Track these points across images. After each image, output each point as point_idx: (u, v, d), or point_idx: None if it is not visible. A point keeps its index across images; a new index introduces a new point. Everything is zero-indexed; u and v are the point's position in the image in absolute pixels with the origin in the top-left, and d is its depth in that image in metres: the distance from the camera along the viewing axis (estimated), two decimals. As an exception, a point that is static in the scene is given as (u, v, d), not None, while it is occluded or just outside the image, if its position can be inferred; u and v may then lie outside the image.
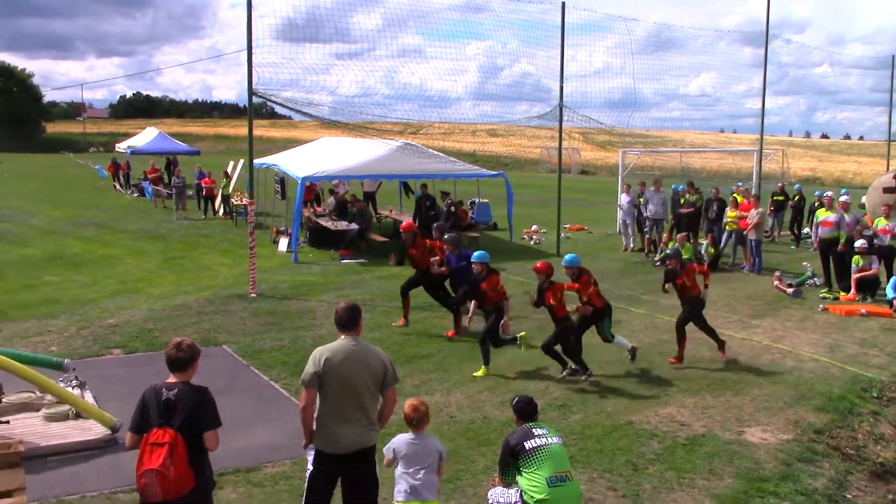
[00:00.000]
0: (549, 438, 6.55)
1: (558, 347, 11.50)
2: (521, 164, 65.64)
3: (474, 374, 11.66)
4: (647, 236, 22.83)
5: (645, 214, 22.72)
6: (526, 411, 6.81)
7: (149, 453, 5.26)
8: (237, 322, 14.35)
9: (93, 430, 9.15)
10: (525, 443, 6.46)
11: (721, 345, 12.65)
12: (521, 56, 30.32)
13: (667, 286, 12.76)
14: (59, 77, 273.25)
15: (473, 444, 9.12)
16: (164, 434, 5.29)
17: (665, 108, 29.73)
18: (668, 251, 13.76)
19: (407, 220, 19.57)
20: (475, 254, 12.39)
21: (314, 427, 6.22)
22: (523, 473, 6.42)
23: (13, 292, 16.75)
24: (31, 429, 9.13)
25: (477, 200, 28.92)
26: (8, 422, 9.06)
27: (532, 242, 25.15)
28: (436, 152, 24.60)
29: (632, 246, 23.62)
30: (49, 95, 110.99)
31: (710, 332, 12.63)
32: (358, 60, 23.22)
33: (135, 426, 5.50)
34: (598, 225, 29.29)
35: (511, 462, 6.52)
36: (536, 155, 63.60)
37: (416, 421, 6.42)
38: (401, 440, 6.41)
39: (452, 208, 23.13)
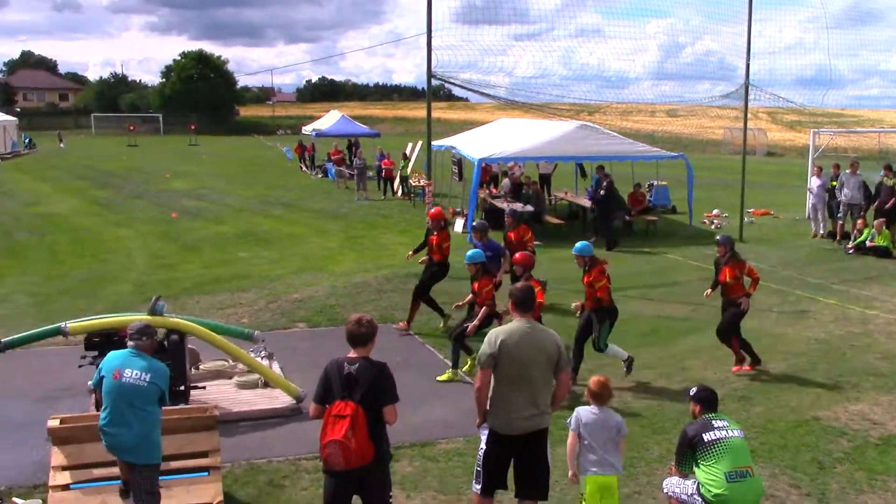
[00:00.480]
0: (729, 431, 6.29)
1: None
2: (703, 145, 63.29)
3: (438, 377, 10.66)
4: (840, 222, 21.48)
5: (839, 199, 21.37)
6: (707, 401, 6.57)
7: (332, 424, 5.47)
8: (414, 300, 14.65)
9: (279, 399, 9.64)
10: (704, 434, 6.25)
11: (742, 360, 11.04)
12: (703, 33, 29.10)
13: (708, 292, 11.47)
14: (251, 63, 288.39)
15: (648, 431, 8.93)
16: (346, 407, 5.47)
17: (862, 85, 27.90)
18: (718, 238, 11.41)
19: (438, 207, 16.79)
20: (468, 253, 11.33)
21: (488, 407, 6.27)
22: (701, 466, 6.21)
23: (209, 267, 17.89)
24: (224, 395, 9.74)
25: (655, 183, 28.14)
26: (204, 387, 9.70)
27: (713, 227, 24.26)
28: (614, 133, 24.12)
29: (822, 232, 22.29)
30: (242, 81, 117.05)
31: (739, 346, 11.03)
32: (535, 41, 23.19)
33: (318, 397, 5.72)
34: (786, 209, 27.81)
35: (688, 453, 6.33)
36: (719, 136, 61.19)
37: (602, 396, 6.47)
38: (584, 411, 6.45)
39: (603, 187, 22.00)
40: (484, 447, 6.38)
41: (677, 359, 11.54)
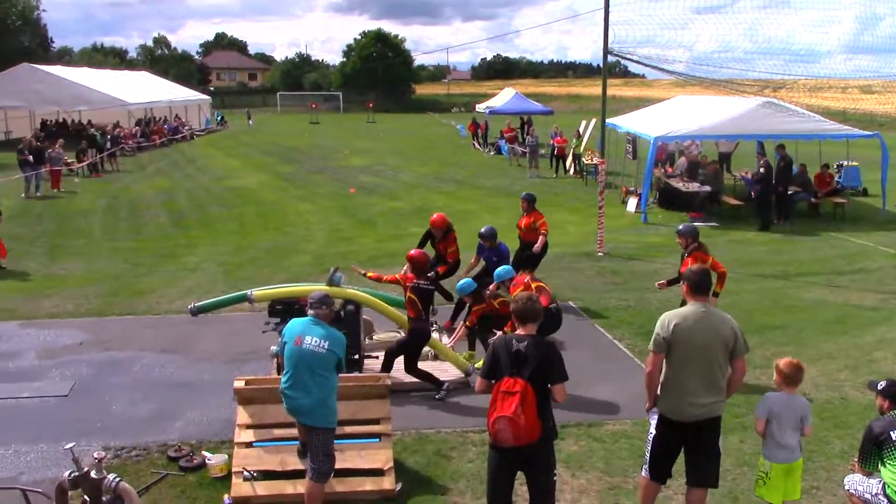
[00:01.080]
0: (921, 429, 5.88)
1: None
2: (900, 123, 58.93)
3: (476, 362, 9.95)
4: None
5: None
6: None
7: (501, 400, 5.52)
8: (584, 280, 14.57)
9: (449, 372, 9.84)
10: (892, 432, 5.87)
11: None
12: (906, 2, 26.97)
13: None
14: (427, 42, 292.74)
15: (829, 425, 8.48)
16: (515, 384, 5.51)
17: None
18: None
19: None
20: (459, 285, 10.46)
21: (658, 392, 6.16)
22: (887, 465, 5.85)
23: (383, 241, 18.44)
24: (396, 365, 10.03)
25: (845, 163, 26.47)
26: (377, 357, 10.03)
27: (909, 211, 22.61)
28: (802, 110, 22.83)
29: None
30: (418, 60, 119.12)
31: None
32: (718, 14, 22.15)
33: (485, 372, 5.79)
34: None
35: (874, 451, 5.97)
36: (919, 113, 56.72)
37: (795, 378, 6.23)
38: (774, 398, 6.21)
39: (762, 164, 20.77)
40: (653, 432, 6.27)
41: (865, 350, 10.88)
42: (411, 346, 9.38)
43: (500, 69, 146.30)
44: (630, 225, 20.29)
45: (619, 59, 16.86)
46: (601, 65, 17.16)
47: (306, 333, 6.47)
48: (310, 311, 6.63)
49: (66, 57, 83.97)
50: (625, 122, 25.68)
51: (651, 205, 22.30)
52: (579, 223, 20.47)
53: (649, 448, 6.31)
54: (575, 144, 31.34)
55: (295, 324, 6.69)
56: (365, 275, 10.37)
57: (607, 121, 20.28)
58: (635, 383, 9.01)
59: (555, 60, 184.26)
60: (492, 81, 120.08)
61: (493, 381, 5.68)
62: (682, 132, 21.88)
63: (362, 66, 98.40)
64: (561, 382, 5.66)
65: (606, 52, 16.13)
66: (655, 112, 26.87)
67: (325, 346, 6.41)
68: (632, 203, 22.40)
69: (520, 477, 5.89)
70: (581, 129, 31.85)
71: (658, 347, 6.02)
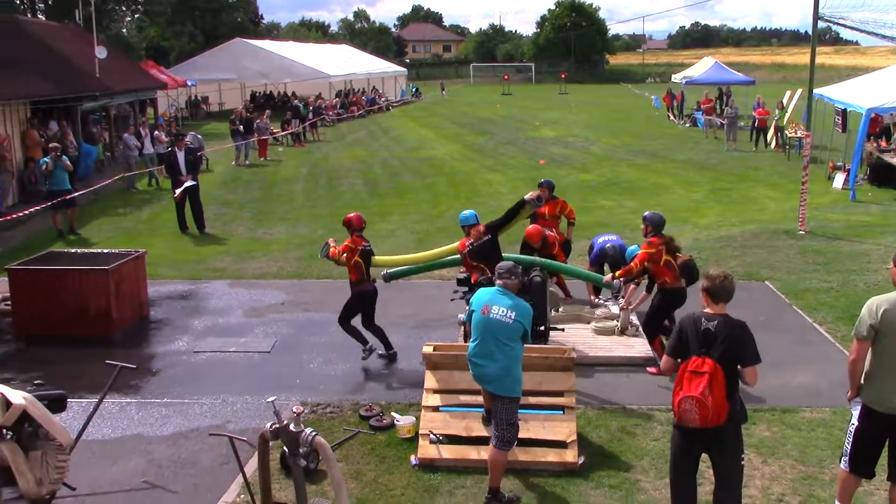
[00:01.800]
0: None
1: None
2: None
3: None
4: None
5: None
6: None
7: (689, 380, 5.39)
8: (782, 258, 13.88)
9: (635, 348, 9.71)
10: None
11: None
12: None
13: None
14: (623, 11, 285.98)
15: None
16: (704, 363, 5.36)
17: None
18: None
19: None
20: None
21: (863, 381, 5.79)
22: None
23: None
24: (582, 339, 10.02)
25: None
26: (563, 329, 10.03)
27: None
28: None
29: None
30: (613, 29, 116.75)
31: None
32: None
33: (672, 351, 5.68)
34: None
35: None
36: None
37: None
38: None
39: None
40: (855, 423, 5.91)
41: None
42: (353, 306, 9.72)
43: (699, 37, 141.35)
44: (836, 202, 19.07)
45: (831, 24, 15.81)
46: (810, 31, 16.16)
47: (494, 303, 6.55)
48: (498, 282, 6.71)
49: (273, 32, 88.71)
50: (834, 93, 24.04)
51: (861, 181, 20.82)
52: (779, 199, 19.47)
53: (850, 439, 5.95)
54: (778, 116, 29.75)
55: (483, 293, 6.79)
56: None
57: (815, 91, 19.08)
58: (836, 370, 8.55)
59: (758, 28, 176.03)
60: (689, 50, 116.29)
61: (680, 361, 5.56)
62: (901, 103, 20.21)
63: (556, 37, 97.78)
64: (753, 365, 5.45)
65: (816, 17, 15.17)
66: (869, 81, 24.96)
67: (512, 317, 6.46)
68: (839, 179, 21.01)
69: (706, 459, 5.74)
70: (785, 101, 30.18)
71: (864, 334, 5.65)
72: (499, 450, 6.53)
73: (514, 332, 6.48)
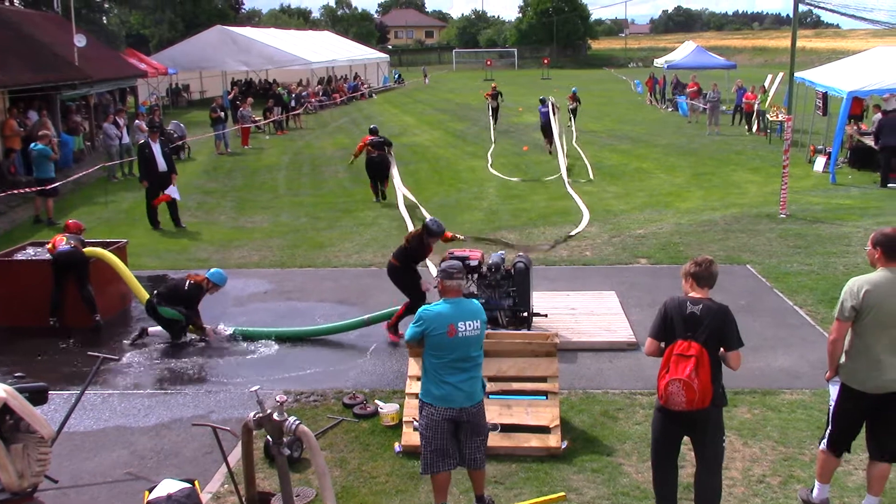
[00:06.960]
0: None
1: None
2: None
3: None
4: None
5: None
6: None
7: (675, 363, 5.42)
8: (763, 242, 13.96)
9: (618, 333, 9.75)
10: None
11: None
12: None
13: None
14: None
15: None
16: (690, 347, 5.40)
17: None
18: None
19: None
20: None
21: (842, 360, 5.85)
22: None
23: (555, 199, 18.32)
24: (565, 324, 10.03)
25: None
26: (546, 315, 10.05)
27: None
28: None
29: None
30: (595, 14, 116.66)
31: None
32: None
33: (656, 333, 5.68)
34: None
35: None
36: None
37: None
38: None
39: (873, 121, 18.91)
40: (834, 402, 5.97)
41: None
42: None
43: (681, 22, 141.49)
44: (817, 185, 19.18)
45: (812, 7, 15.85)
46: (791, 15, 16.19)
47: (458, 320, 6.00)
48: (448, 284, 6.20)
49: (254, 18, 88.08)
50: (815, 76, 24.12)
51: (841, 164, 20.94)
52: (760, 183, 19.55)
53: (829, 419, 6.02)
54: (759, 100, 29.84)
55: (438, 314, 6.08)
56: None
57: (796, 74, 19.15)
58: (816, 352, 8.63)
59: (740, 11, 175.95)
60: (671, 35, 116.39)
61: (664, 344, 5.58)
62: (882, 85, 20.24)
63: (538, 22, 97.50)
64: (737, 349, 5.49)
65: (798, 0, 15.19)
66: (850, 64, 25.06)
67: (479, 325, 6.05)
68: (820, 162, 21.11)
69: (687, 442, 5.78)
70: (766, 84, 30.27)
71: (846, 315, 5.70)
72: (484, 469, 6.22)
73: (482, 339, 6.15)
